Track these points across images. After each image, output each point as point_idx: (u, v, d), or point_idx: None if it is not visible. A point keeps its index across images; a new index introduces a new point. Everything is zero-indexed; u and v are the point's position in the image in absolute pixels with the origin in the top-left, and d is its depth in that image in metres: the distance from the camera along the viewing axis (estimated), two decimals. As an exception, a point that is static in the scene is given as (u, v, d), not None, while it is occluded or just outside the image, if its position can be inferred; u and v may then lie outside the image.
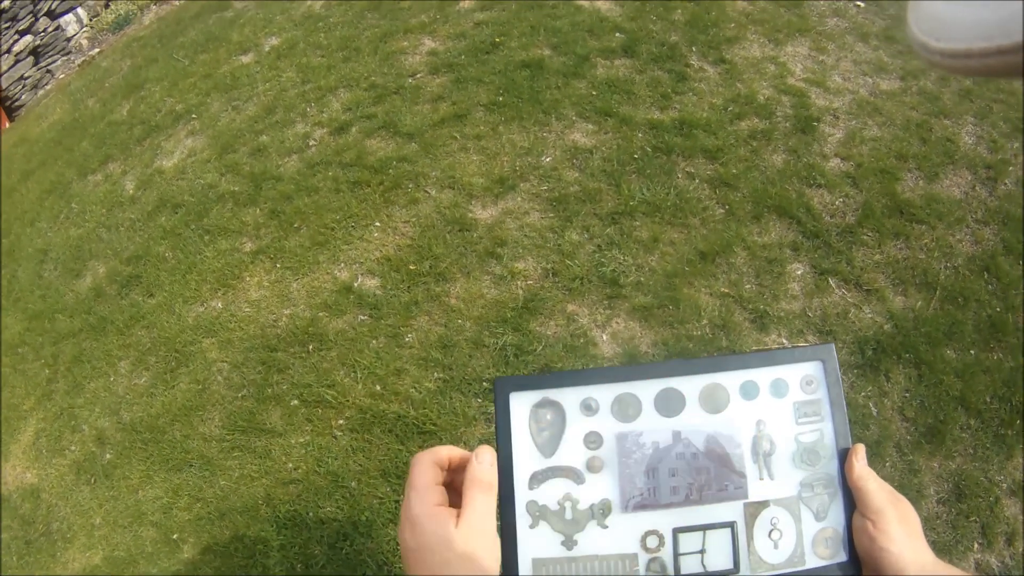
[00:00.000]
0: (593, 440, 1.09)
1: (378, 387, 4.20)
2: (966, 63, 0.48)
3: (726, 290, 4.42)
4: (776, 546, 1.09)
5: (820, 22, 6.50)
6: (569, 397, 1.11)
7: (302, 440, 4.10)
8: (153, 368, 4.71)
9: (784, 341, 4.20)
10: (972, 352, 4.20)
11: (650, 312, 4.32)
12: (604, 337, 4.26)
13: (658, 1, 6.70)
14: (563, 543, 1.06)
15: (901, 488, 3.46)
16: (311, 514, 3.82)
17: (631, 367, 1.17)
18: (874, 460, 3.77)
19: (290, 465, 4.02)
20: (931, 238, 4.70)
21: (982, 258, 4.61)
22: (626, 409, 1.10)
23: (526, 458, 1.08)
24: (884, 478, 3.26)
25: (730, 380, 1.13)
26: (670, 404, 1.11)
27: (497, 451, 1.07)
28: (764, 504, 1.09)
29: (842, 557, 1.08)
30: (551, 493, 1.08)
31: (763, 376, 1.13)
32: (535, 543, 1.06)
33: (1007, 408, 3.99)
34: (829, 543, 1.09)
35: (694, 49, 6.15)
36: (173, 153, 6.40)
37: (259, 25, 7.88)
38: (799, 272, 4.53)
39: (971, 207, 4.90)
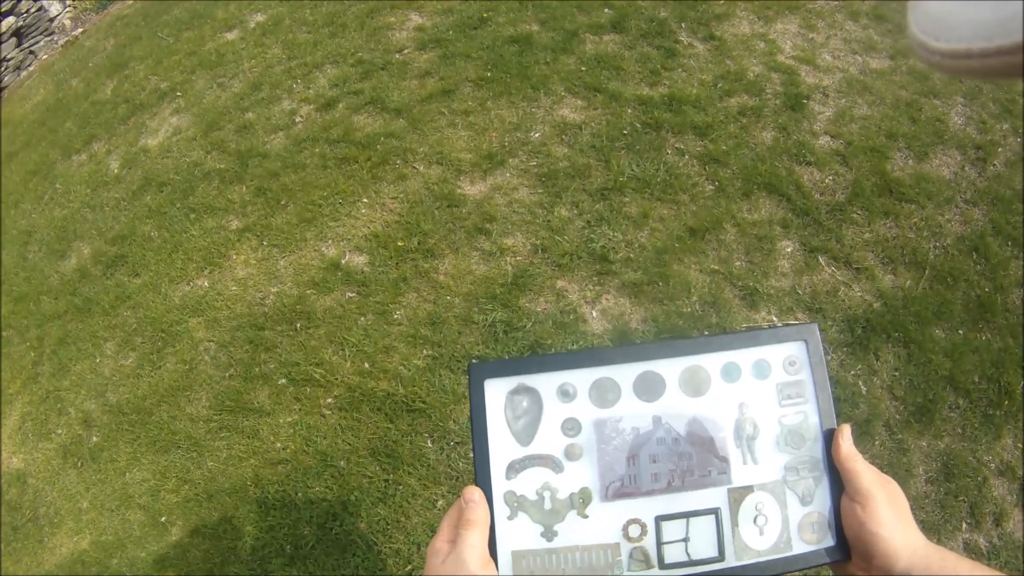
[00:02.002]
0: (571, 427, 1.08)
1: (366, 365, 4.17)
2: (966, 63, 0.48)
3: (716, 267, 4.41)
4: (761, 532, 1.08)
5: (810, 0, 6.47)
6: (546, 383, 1.10)
7: (290, 419, 4.07)
8: (139, 349, 4.67)
9: (774, 318, 4.20)
10: (961, 332, 4.21)
11: (640, 288, 4.31)
12: (594, 313, 4.24)
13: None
14: (543, 534, 1.06)
15: (890, 467, 3.48)
16: (300, 494, 3.80)
17: (609, 350, 1.13)
18: (863, 439, 3.79)
19: (278, 445, 4.00)
20: (920, 217, 4.70)
21: (971, 238, 4.61)
22: (604, 394, 1.10)
23: (503, 447, 1.07)
24: (873, 457, 3.26)
25: (711, 362, 1.12)
26: (650, 388, 1.10)
27: (472, 439, 1.08)
28: (748, 489, 1.09)
29: (829, 542, 1.07)
30: (529, 483, 1.07)
31: (745, 357, 1.12)
32: (514, 535, 1.06)
33: (995, 388, 4.01)
34: (815, 528, 1.08)
35: (683, 25, 6.13)
36: (158, 131, 6.34)
37: (244, 1, 7.81)
38: (789, 249, 4.52)
39: (960, 187, 4.90)
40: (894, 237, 4.59)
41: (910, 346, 4.11)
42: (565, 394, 1.09)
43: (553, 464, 1.07)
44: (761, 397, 1.11)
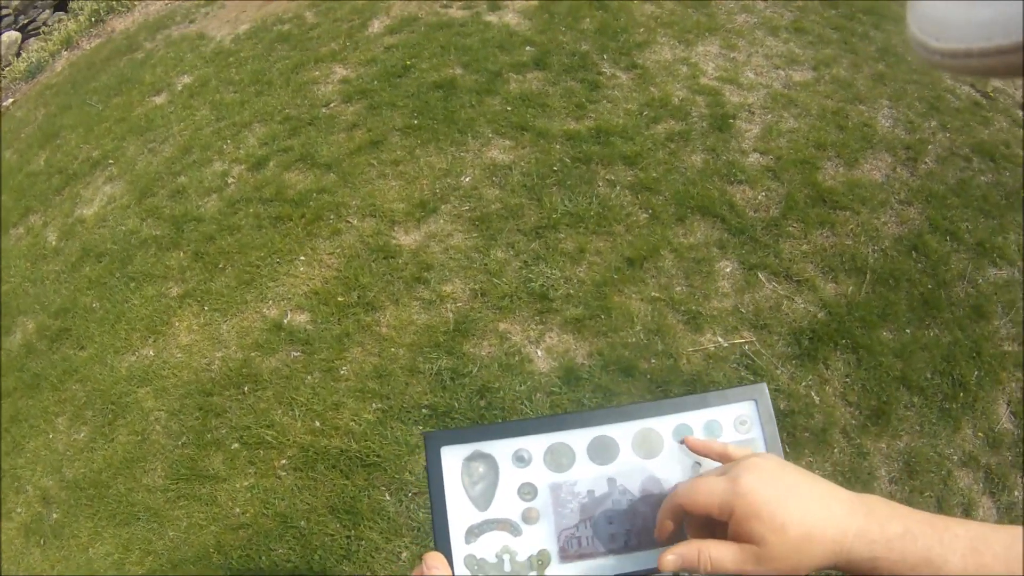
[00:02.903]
0: (528, 491, 1.09)
1: (317, 423, 4.18)
2: (966, 63, 0.50)
3: (657, 294, 4.46)
4: None
5: (729, 20, 6.59)
6: (501, 449, 1.11)
7: (247, 483, 4.06)
8: (91, 422, 4.64)
9: (720, 340, 4.25)
10: (908, 331, 4.29)
11: (582, 323, 4.35)
12: (539, 352, 4.27)
13: (566, 12, 6.73)
14: None
15: (852, 472, 3.57)
16: (263, 558, 3.79)
17: (562, 416, 1.14)
18: (821, 447, 3.84)
19: (237, 510, 3.98)
20: (856, 223, 4.78)
21: (909, 238, 4.70)
22: (559, 459, 1.10)
23: (461, 512, 1.08)
24: (833, 464, 3.35)
25: (663, 425, 1.12)
26: (604, 452, 1.11)
27: (431, 505, 1.08)
28: None
29: None
30: (488, 546, 1.07)
31: (696, 419, 1.13)
32: None
33: (949, 382, 4.09)
34: None
35: (605, 56, 6.20)
36: (93, 201, 6.31)
37: (170, 64, 7.81)
38: (728, 269, 4.59)
39: (894, 189, 4.99)
40: (832, 246, 4.66)
41: (859, 351, 4.18)
42: (520, 459, 1.10)
43: (511, 528, 1.07)
44: None
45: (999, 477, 3.82)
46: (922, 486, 3.73)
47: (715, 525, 0.95)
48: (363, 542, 3.73)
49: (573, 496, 1.09)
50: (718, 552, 0.90)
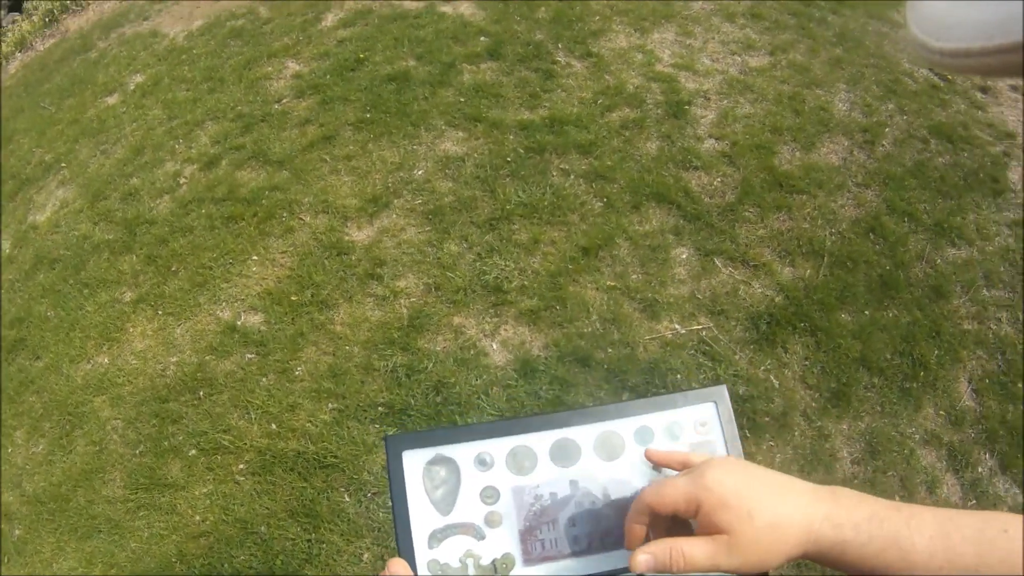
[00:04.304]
0: (490, 495, 1.09)
1: (274, 426, 4.15)
2: (966, 62, 0.49)
3: (612, 283, 4.45)
4: None
5: (685, 7, 6.60)
6: (463, 453, 1.10)
7: (205, 490, 4.02)
8: (48, 434, 4.58)
9: (677, 327, 4.24)
10: (867, 312, 4.31)
11: (538, 315, 4.33)
12: (494, 346, 4.25)
13: (521, 1, 6.71)
14: None
15: (813, 455, 3.58)
16: (226, 566, 3.75)
17: (524, 419, 1.14)
18: (782, 431, 3.85)
19: (197, 518, 3.94)
20: (813, 207, 4.79)
21: (866, 220, 4.72)
22: (521, 462, 1.10)
23: (423, 516, 1.07)
24: (795, 448, 3.37)
25: (624, 427, 1.13)
26: (565, 454, 1.11)
27: (393, 510, 1.07)
28: None
29: None
30: (452, 551, 1.07)
31: (657, 421, 1.13)
32: None
33: (909, 362, 4.13)
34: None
35: (560, 46, 6.20)
36: (45, 206, 6.24)
37: (123, 64, 7.75)
38: (684, 256, 4.58)
39: (851, 171, 5.02)
40: (789, 230, 4.67)
41: (817, 334, 4.20)
42: (482, 463, 1.10)
43: (474, 531, 1.07)
44: None
45: (962, 454, 3.85)
46: (885, 466, 3.75)
47: (680, 528, 0.96)
48: (324, 545, 3.70)
49: (536, 499, 1.09)
50: (690, 547, 0.89)
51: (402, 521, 1.07)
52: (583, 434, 1.12)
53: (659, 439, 1.12)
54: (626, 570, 1.05)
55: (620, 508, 1.07)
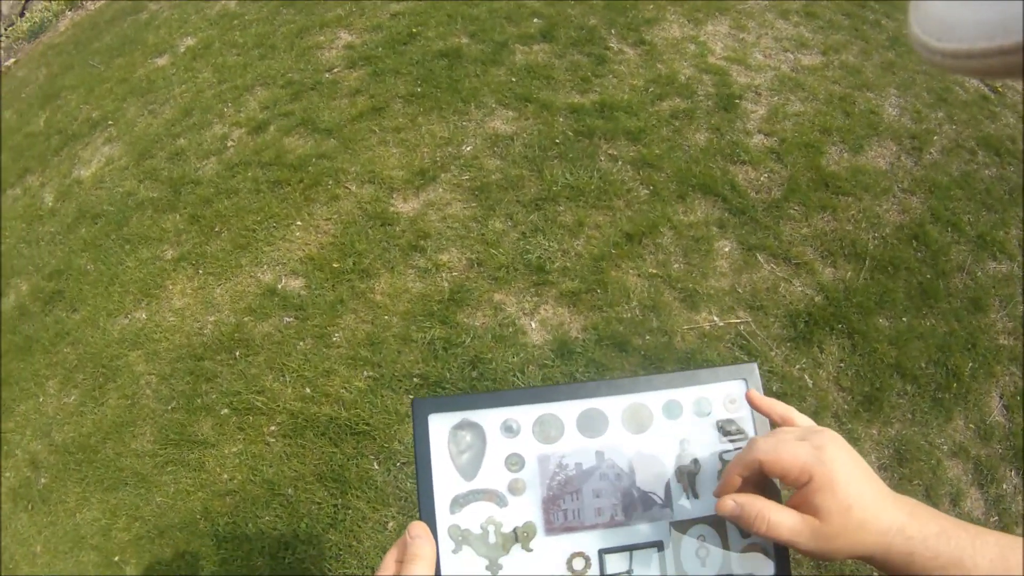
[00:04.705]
0: (515, 462, 1.08)
1: (308, 390, 4.15)
2: (968, 63, 0.49)
3: (654, 271, 4.43)
4: (703, 564, 1.07)
5: (740, 1, 6.53)
6: (489, 418, 1.10)
7: (235, 449, 4.03)
8: (81, 385, 4.60)
9: (715, 319, 4.22)
10: (904, 319, 4.27)
11: (578, 297, 4.32)
12: (533, 325, 4.24)
13: (576, -16, 6.68)
14: (488, 568, 1.05)
15: None
16: (250, 525, 3.76)
17: (552, 388, 1.13)
18: (813, 431, 3.81)
19: (225, 476, 3.95)
20: (858, 209, 4.76)
21: (910, 227, 4.69)
22: (548, 430, 1.10)
23: (447, 481, 1.07)
24: None
25: (653, 400, 1.12)
26: (593, 424, 1.10)
27: (416, 474, 1.07)
28: (690, 523, 1.08)
29: (769, 569, 1.07)
30: (473, 517, 1.06)
31: (686, 396, 1.12)
32: (459, 569, 1.04)
33: (943, 372, 4.09)
34: (755, 558, 1.07)
35: (613, 32, 6.16)
36: (91, 162, 6.27)
37: (174, 26, 7.76)
38: (727, 249, 4.56)
39: (897, 177, 4.98)
40: (832, 230, 4.64)
41: (854, 337, 4.16)
42: (509, 430, 1.09)
43: (497, 498, 1.07)
44: (702, 434, 1.11)
45: (988, 469, 3.82)
46: (911, 474, 3.72)
47: (764, 489, 0.98)
48: (350, 511, 3.70)
49: (561, 468, 1.09)
50: (777, 518, 0.91)
51: (425, 485, 1.06)
52: (611, 405, 1.12)
53: (687, 414, 1.12)
54: (647, 545, 1.06)
55: (645, 482, 1.09)
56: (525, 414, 1.10)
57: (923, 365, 4.11)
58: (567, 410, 1.11)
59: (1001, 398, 4.07)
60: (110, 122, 6.64)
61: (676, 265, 4.46)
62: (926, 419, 3.93)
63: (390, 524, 3.65)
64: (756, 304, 4.29)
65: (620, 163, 5.01)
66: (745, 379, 1.13)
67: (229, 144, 5.80)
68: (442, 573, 1.03)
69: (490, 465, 1.08)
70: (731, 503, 0.94)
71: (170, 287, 4.86)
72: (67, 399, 4.58)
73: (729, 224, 4.67)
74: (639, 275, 4.42)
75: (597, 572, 1.05)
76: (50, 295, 5.20)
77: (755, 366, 1.14)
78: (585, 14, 6.34)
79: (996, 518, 3.69)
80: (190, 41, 7.35)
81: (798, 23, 6.30)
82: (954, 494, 3.69)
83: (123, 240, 5.29)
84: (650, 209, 4.73)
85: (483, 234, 4.66)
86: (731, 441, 1.11)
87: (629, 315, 4.24)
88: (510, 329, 4.22)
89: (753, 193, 4.83)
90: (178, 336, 4.59)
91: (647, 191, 4.85)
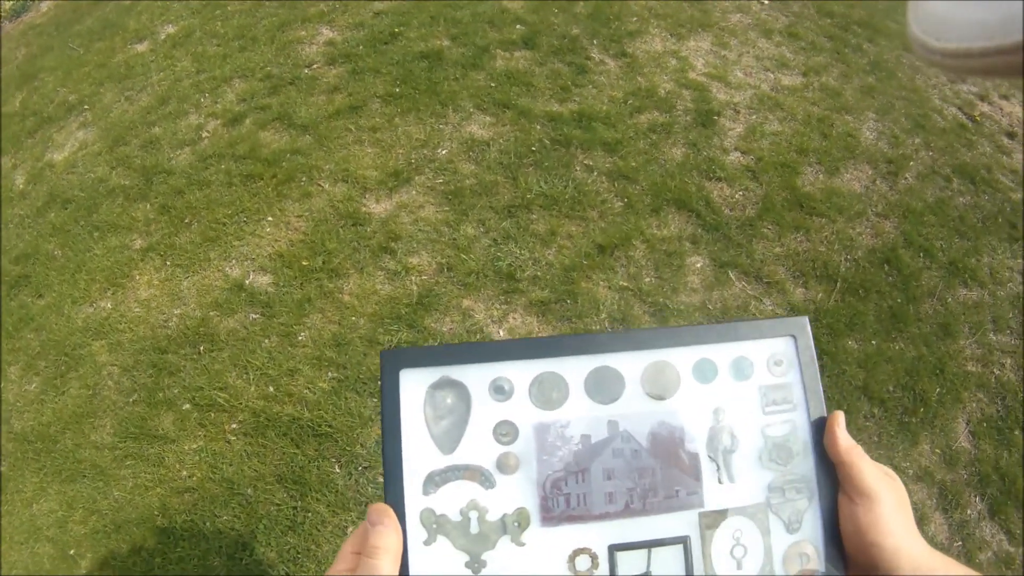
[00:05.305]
0: (506, 432, 0.90)
1: (271, 388, 4.12)
2: (967, 62, 0.48)
3: (625, 283, 4.43)
4: (739, 566, 0.91)
5: (723, 18, 6.59)
6: (475, 376, 0.92)
7: (195, 446, 3.99)
8: (43, 373, 4.54)
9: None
10: (874, 342, 4.31)
11: (547, 306, 4.31)
12: (501, 332, 4.23)
13: (561, -7, 6.69)
14: (468, 565, 0.87)
15: None
16: (208, 524, 3.73)
17: (556, 339, 0.94)
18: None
19: (184, 473, 3.92)
20: (831, 231, 4.79)
21: (882, 250, 4.72)
22: (548, 392, 0.92)
23: (420, 454, 0.89)
24: None
25: (681, 358, 0.94)
26: (605, 387, 0.92)
27: (383, 444, 0.89)
28: (724, 514, 0.91)
29: (820, 569, 0.91)
30: (452, 500, 0.88)
31: (722, 354, 0.95)
32: (432, 565, 0.87)
33: (910, 396, 4.13)
34: (805, 560, 0.92)
35: (595, 42, 6.17)
36: (64, 146, 6.20)
37: (156, 12, 7.69)
38: (699, 265, 4.57)
39: (871, 200, 5.01)
40: (805, 251, 4.66)
41: (823, 358, 4.16)
42: (499, 391, 0.91)
43: (482, 477, 0.89)
44: (741, 402, 0.94)
45: (953, 495, 3.85)
46: (876, 497, 3.72)
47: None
48: (310, 514, 3.68)
49: (563, 441, 0.91)
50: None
51: (393, 458, 0.89)
52: (628, 363, 0.93)
53: (723, 377, 0.95)
54: (669, 541, 0.89)
55: (669, 461, 0.91)
56: (520, 372, 0.92)
57: (891, 389, 4.14)
58: (573, 368, 0.92)
59: (968, 424, 4.11)
60: (86, 106, 6.57)
61: (647, 279, 4.46)
62: (892, 442, 3.96)
63: (349, 528, 3.62)
64: (726, 322, 4.28)
65: (596, 174, 5.01)
66: (794, 336, 0.97)
67: (204, 135, 5.75)
68: (410, 573, 0.86)
69: (475, 435, 0.90)
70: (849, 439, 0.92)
71: (137, 277, 4.81)
72: (28, 386, 4.52)
73: (702, 240, 4.68)
74: (610, 287, 4.41)
75: (606, 573, 0.88)
76: (16, 279, 5.14)
77: (806, 320, 0.98)
78: (568, 23, 6.34)
79: (960, 543, 3.72)
80: (171, 29, 7.28)
81: (780, 43, 6.33)
82: (918, 518, 3.68)
83: (92, 227, 5.23)
84: (624, 221, 4.72)
85: (454, 239, 4.64)
86: (776, 413, 0.95)
87: (598, 327, 4.23)
88: (477, 336, 4.21)
89: (727, 210, 4.84)
90: (142, 328, 4.54)
91: (621, 203, 4.85)
